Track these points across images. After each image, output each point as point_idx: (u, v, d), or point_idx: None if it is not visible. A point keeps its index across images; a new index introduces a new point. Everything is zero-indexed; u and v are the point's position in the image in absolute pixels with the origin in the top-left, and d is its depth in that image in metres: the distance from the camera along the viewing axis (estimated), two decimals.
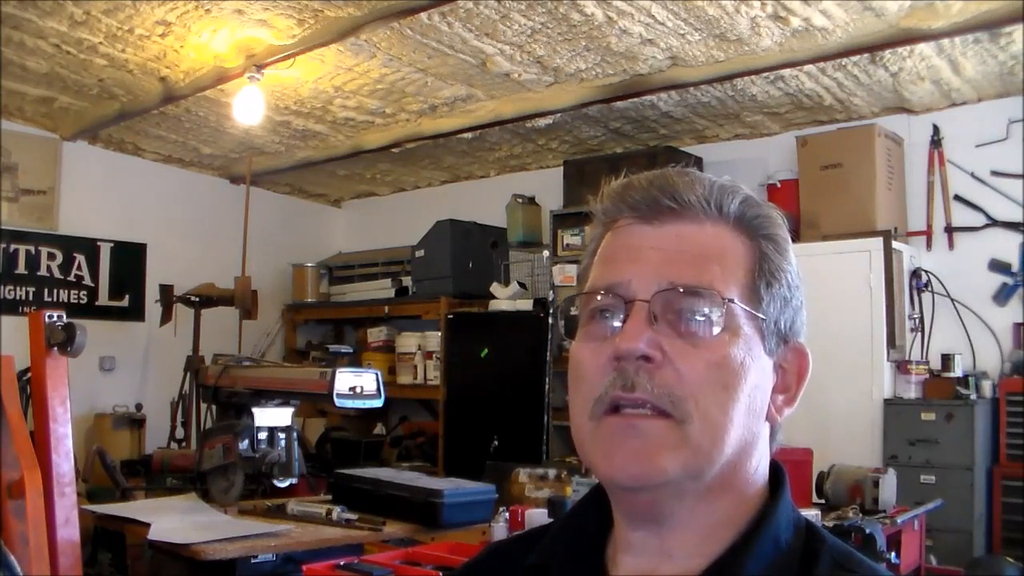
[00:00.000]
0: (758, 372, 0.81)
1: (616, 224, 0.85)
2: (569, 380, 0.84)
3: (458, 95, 4.99)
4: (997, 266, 4.60)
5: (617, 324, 0.80)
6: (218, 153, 6.28)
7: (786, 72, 4.35)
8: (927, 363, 4.59)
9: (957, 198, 4.75)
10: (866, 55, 4.11)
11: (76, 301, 5.99)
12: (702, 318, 0.79)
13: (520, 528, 2.80)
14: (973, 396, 4.35)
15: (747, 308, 0.81)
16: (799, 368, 0.86)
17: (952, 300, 4.70)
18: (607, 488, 0.84)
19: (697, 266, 0.80)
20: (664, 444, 0.77)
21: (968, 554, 4.01)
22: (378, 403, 3.34)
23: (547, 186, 5.97)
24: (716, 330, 0.79)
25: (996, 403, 4.38)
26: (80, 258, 6.04)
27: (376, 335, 6.50)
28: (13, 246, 5.74)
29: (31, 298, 5.80)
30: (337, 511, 3.12)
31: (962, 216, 4.74)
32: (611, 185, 0.87)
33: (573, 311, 0.85)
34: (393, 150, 5.89)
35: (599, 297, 0.82)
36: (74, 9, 4.03)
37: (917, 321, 4.74)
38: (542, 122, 5.25)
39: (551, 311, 5.45)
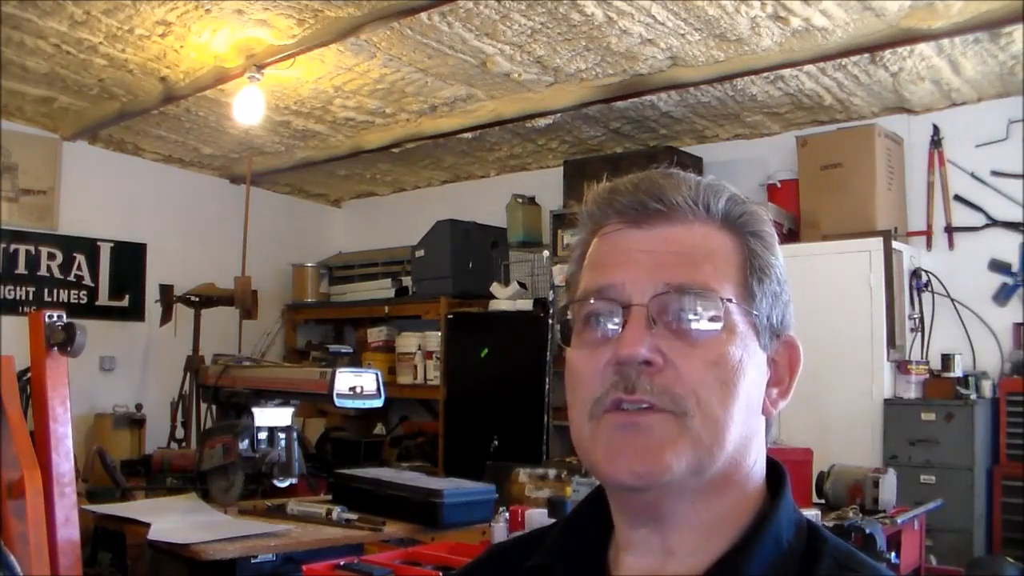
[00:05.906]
0: (754, 368, 0.81)
1: (603, 229, 0.85)
2: (567, 386, 0.84)
3: (458, 95, 4.99)
4: (997, 266, 4.60)
5: (612, 327, 0.80)
6: (218, 153, 6.28)
7: (786, 72, 4.35)
8: (927, 363, 4.59)
9: (957, 198, 4.75)
10: (866, 55, 4.11)
11: (76, 301, 5.99)
12: (700, 318, 0.79)
13: (520, 528, 2.79)
14: (973, 396, 4.35)
15: (742, 305, 0.81)
16: (791, 361, 0.86)
17: (952, 300, 4.70)
18: (608, 489, 0.84)
19: (690, 267, 0.80)
20: (667, 438, 0.77)
21: (968, 554, 4.01)
22: (378, 403, 3.34)
23: (547, 186, 5.96)
24: (714, 329, 0.79)
25: (996, 403, 4.38)
26: (80, 258, 6.04)
27: (376, 335, 6.50)
28: (13, 246, 5.74)
29: (31, 298, 5.80)
30: (337, 511, 3.12)
31: (962, 216, 4.74)
32: (596, 189, 0.87)
33: (568, 316, 0.85)
34: (393, 150, 5.89)
35: (592, 302, 0.82)
36: (74, 9, 4.03)
37: (917, 321, 4.74)
38: (542, 122, 5.25)
39: (551, 311, 5.45)
